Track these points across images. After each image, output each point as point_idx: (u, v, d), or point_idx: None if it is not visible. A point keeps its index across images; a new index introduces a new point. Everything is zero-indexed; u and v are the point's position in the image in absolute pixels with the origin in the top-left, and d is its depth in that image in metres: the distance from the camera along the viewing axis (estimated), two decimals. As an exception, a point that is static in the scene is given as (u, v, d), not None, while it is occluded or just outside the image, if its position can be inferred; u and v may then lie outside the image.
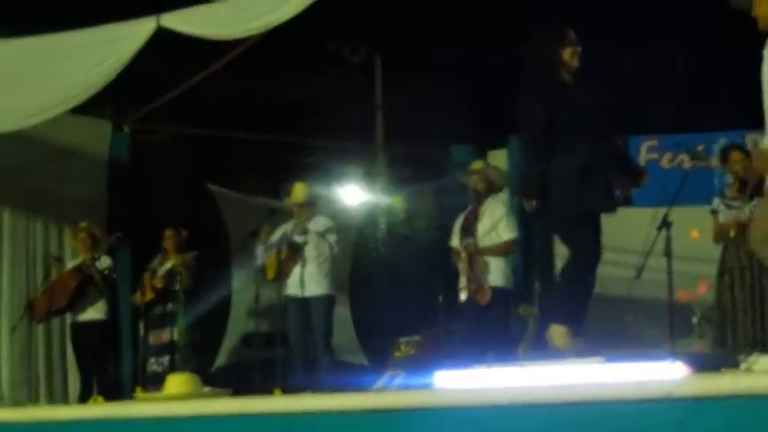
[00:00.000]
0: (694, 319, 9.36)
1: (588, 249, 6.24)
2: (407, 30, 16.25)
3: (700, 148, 9.09)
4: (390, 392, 4.79)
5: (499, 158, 11.16)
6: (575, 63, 6.37)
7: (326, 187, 11.68)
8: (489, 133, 12.26)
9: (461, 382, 4.74)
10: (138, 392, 8.55)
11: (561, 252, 7.22)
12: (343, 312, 10.32)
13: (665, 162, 10.90)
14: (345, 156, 15.45)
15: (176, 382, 5.60)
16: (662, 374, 4.04)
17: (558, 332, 6.09)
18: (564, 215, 6.25)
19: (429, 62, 16.20)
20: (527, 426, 4.00)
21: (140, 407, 5.50)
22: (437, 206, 14.76)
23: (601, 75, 6.61)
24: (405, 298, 13.10)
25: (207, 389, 5.72)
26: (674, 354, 4.29)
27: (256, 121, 13.84)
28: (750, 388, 3.56)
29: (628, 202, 6.87)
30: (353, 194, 13.86)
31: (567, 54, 6.35)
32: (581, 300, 6.27)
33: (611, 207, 6.38)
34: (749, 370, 3.94)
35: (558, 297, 6.41)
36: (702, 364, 4.01)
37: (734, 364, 4.05)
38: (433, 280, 10.37)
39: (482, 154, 11.34)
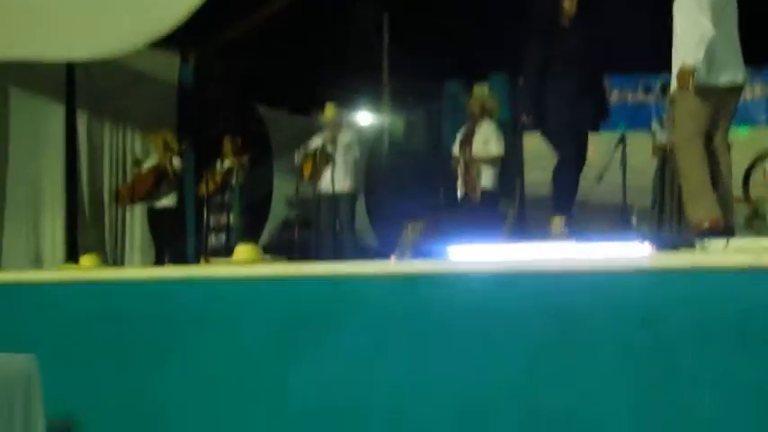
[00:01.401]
0: (633, 219, 9.32)
1: (572, 154, 6.24)
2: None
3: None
4: (413, 261, 4.75)
5: (483, 90, 11.04)
6: (573, 10, 6.33)
7: (347, 112, 11.55)
8: (475, 70, 12.13)
9: (468, 254, 4.69)
10: (203, 262, 8.52)
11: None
12: (358, 206, 10.26)
13: (613, 97, 10.83)
14: (359, 89, 15.35)
15: (243, 250, 5.54)
16: (631, 251, 3.99)
17: (556, 221, 6.11)
18: (556, 128, 6.24)
19: (425, 18, 16.07)
20: (524, 289, 3.98)
21: (216, 269, 5.45)
22: (429, 126, 14.76)
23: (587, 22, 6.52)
24: (405, 195, 13.10)
25: (267, 256, 5.67)
26: (641, 235, 4.22)
27: (292, 59, 13.73)
28: (705, 262, 3.53)
29: (595, 128, 6.90)
30: (366, 117, 13.81)
31: (567, 3, 6.30)
32: (569, 193, 6.28)
33: (594, 126, 6.40)
34: (704, 249, 3.89)
35: (553, 193, 6.41)
36: (664, 244, 3.95)
37: (690, 245, 4.00)
38: (433, 181, 10.36)
39: (469, 87, 11.27)
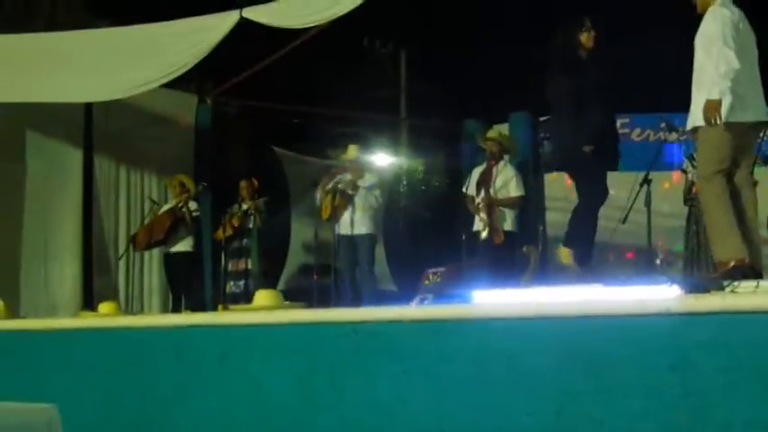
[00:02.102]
0: (658, 261, 9.32)
1: (592, 193, 6.30)
2: (428, 28, 16.28)
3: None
4: (436, 306, 4.78)
5: (502, 131, 11.11)
6: (590, 44, 6.40)
7: (366, 153, 11.61)
8: (494, 110, 12.19)
9: (494, 299, 4.71)
10: (221, 309, 8.58)
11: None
12: (377, 250, 10.27)
13: (635, 136, 10.88)
14: (377, 127, 15.48)
15: (263, 297, 5.59)
16: (659, 294, 4.00)
17: (563, 252, 6.15)
18: (581, 165, 6.31)
19: (444, 54, 16.23)
20: (550, 334, 3.99)
21: (237, 315, 5.51)
22: (448, 168, 14.83)
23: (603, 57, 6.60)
24: (424, 238, 13.16)
25: (287, 302, 5.72)
26: (669, 277, 4.23)
27: (308, 98, 13.89)
28: (736, 305, 3.54)
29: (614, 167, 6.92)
30: (383, 158, 13.86)
31: (584, 37, 6.38)
32: (585, 233, 6.32)
33: (613, 164, 6.44)
34: (734, 291, 3.91)
35: (568, 229, 6.47)
36: (693, 287, 3.96)
37: (720, 288, 4.01)
38: (452, 224, 10.38)
39: (489, 126, 11.31)
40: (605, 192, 6.53)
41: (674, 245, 9.17)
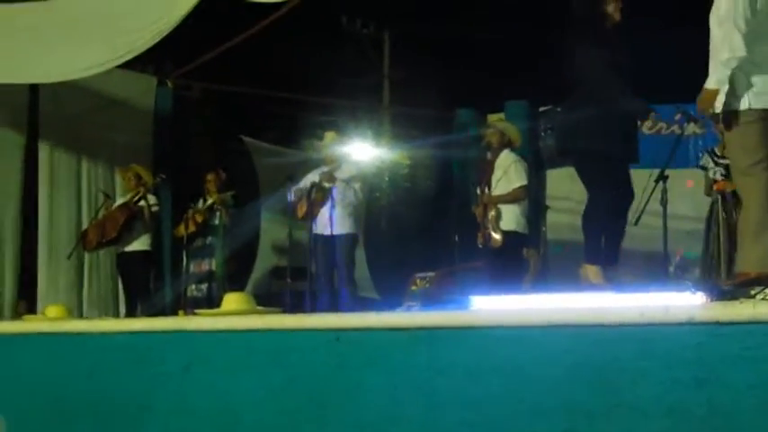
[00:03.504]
0: (671, 268, 9.35)
1: (607, 191, 6.18)
2: (414, 7, 16.27)
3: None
4: (429, 313, 4.75)
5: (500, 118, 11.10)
6: (617, 17, 6.33)
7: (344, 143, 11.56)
8: (487, 99, 12.20)
9: (495, 305, 4.69)
10: (181, 315, 8.54)
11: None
12: (358, 252, 10.24)
13: (645, 128, 10.87)
14: (357, 116, 15.47)
15: (233, 300, 5.54)
16: (680, 302, 3.99)
17: (590, 271, 6.03)
18: (587, 156, 6.23)
19: (432, 36, 16.23)
20: (559, 344, 3.97)
21: (202, 320, 5.46)
22: (436, 162, 14.80)
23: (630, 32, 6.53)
24: (409, 240, 13.15)
25: (260, 307, 5.68)
26: (694, 284, 4.22)
27: (279, 83, 13.86)
28: (766, 315, 3.53)
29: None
30: (363, 150, 13.79)
31: (610, 7, 6.32)
32: (613, 241, 6.22)
33: (633, 156, 6.35)
34: (766, 299, 3.90)
35: (585, 238, 6.30)
36: (720, 294, 3.96)
37: (748, 296, 4.00)
38: (441, 224, 10.37)
39: (483, 116, 11.31)
40: (630, 187, 6.40)
41: (689, 251, 9.20)
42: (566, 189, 10.24)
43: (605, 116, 6.08)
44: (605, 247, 6.17)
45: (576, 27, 6.39)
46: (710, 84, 4.94)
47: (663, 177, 6.77)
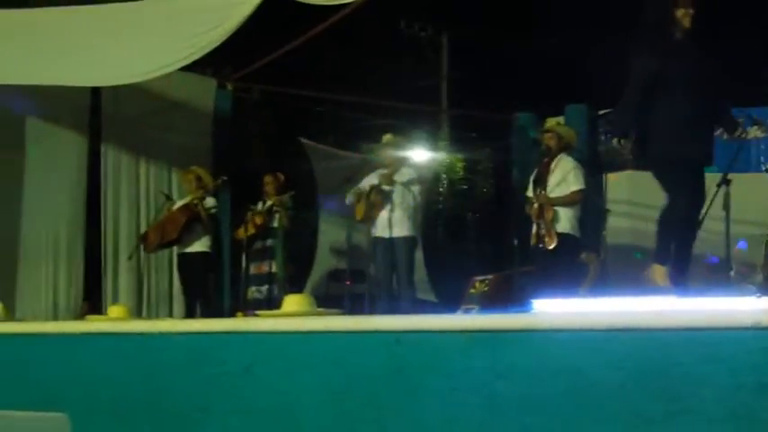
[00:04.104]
0: (732, 273, 9.23)
1: (685, 196, 6.15)
2: (472, 10, 16.23)
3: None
4: (490, 315, 4.73)
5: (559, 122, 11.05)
6: (686, 23, 6.28)
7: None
8: (547, 102, 12.14)
9: (556, 308, 4.67)
10: (240, 317, 8.58)
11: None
12: (416, 255, 10.24)
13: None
14: (414, 119, 15.46)
15: (293, 302, 5.56)
16: (746, 306, 3.94)
17: (657, 272, 6.01)
18: (666, 161, 6.20)
19: (491, 39, 16.18)
20: (621, 348, 3.93)
21: (263, 321, 5.50)
22: (495, 165, 14.78)
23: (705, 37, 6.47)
24: (467, 244, 13.15)
25: (320, 309, 5.70)
26: (759, 289, 4.18)
27: (339, 86, 13.90)
28: (835, 320, 3.48)
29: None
30: (421, 153, 13.78)
31: (680, 13, 6.27)
32: (682, 245, 6.19)
33: (708, 160, 6.32)
34: (834, 304, 3.85)
35: (658, 239, 6.30)
36: (786, 300, 3.91)
37: (816, 302, 3.95)
38: (499, 227, 10.34)
39: (542, 120, 11.25)
40: (703, 194, 6.38)
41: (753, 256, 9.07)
42: (626, 193, 10.17)
43: (684, 120, 6.07)
44: (677, 252, 6.15)
45: (646, 32, 6.37)
46: None
47: (725, 181, 6.69)
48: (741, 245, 9.00)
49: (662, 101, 6.20)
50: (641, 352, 3.87)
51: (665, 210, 6.25)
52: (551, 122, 9.19)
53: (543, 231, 8.32)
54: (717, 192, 6.77)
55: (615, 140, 6.35)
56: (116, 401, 5.35)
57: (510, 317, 4.47)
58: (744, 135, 7.60)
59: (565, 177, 8.53)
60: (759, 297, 3.95)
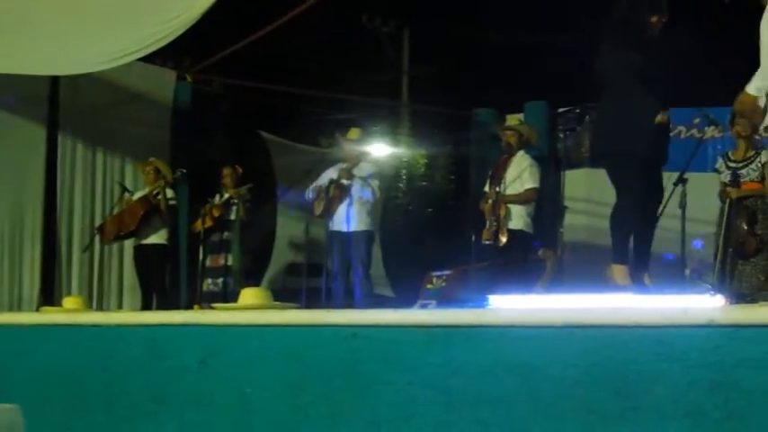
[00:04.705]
0: (687, 271, 9.30)
1: (632, 194, 6.18)
2: (434, 5, 16.23)
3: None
4: (448, 312, 4.75)
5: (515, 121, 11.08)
6: (656, 30, 6.34)
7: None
8: (507, 98, 12.17)
9: (512, 304, 4.69)
10: (196, 309, 8.54)
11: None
12: (373, 250, 10.24)
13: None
14: (375, 114, 15.43)
15: (250, 295, 5.54)
16: (699, 304, 3.98)
17: (616, 271, 6.03)
18: (614, 158, 6.23)
19: (452, 35, 16.19)
20: (576, 345, 3.95)
21: (219, 314, 5.47)
22: (455, 160, 14.79)
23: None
24: (426, 239, 13.14)
25: (277, 302, 5.67)
26: (713, 287, 4.21)
27: (299, 79, 13.85)
28: (787, 318, 3.51)
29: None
30: (381, 148, 13.76)
31: (654, 19, 6.32)
32: (642, 243, 6.22)
33: (659, 158, 6.36)
34: (787, 303, 3.89)
35: (612, 238, 6.31)
36: (740, 298, 3.95)
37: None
38: (458, 223, 10.35)
39: (502, 116, 11.28)
40: (659, 192, 6.41)
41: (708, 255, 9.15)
42: (583, 190, 10.22)
43: (636, 118, 6.10)
44: (636, 249, 6.18)
45: (614, 31, 6.39)
46: (750, 89, 4.88)
47: (682, 181, 6.75)
48: (696, 244, 9.08)
49: (614, 97, 6.25)
50: (596, 349, 3.89)
51: (614, 208, 6.29)
52: (512, 120, 9.20)
53: (496, 228, 8.35)
54: (673, 190, 6.82)
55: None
56: (70, 393, 5.32)
57: (466, 313, 4.48)
58: (701, 135, 7.68)
59: (520, 175, 8.56)
60: (713, 295, 3.97)
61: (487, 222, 8.51)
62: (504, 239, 8.33)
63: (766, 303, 3.89)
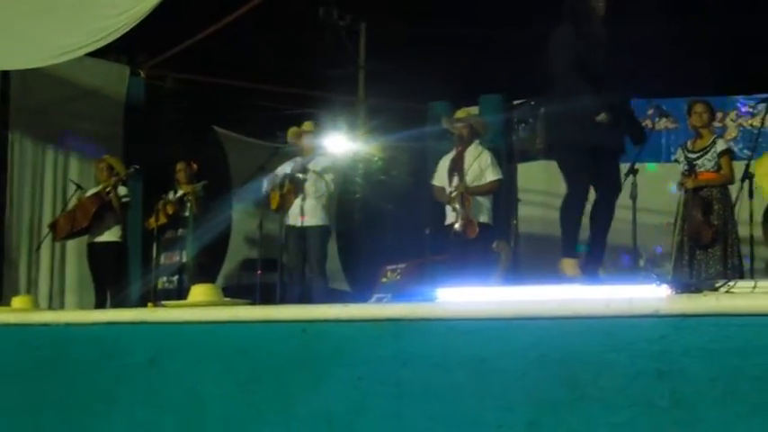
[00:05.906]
0: (641, 262, 9.37)
1: (580, 184, 6.21)
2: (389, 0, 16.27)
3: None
4: (396, 305, 4.76)
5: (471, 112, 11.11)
6: (601, 11, 6.35)
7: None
8: (462, 92, 12.22)
9: (462, 297, 4.70)
10: (151, 307, 8.51)
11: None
12: (329, 245, 10.24)
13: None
14: (331, 108, 15.44)
15: (200, 291, 5.51)
16: (646, 294, 4.01)
17: (566, 264, 6.06)
18: (562, 149, 6.25)
19: (408, 29, 16.22)
20: (524, 337, 3.97)
21: (169, 311, 5.44)
22: (411, 154, 14.80)
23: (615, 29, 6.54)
24: (382, 233, 13.16)
25: (227, 299, 5.66)
26: (657, 277, 4.24)
27: (254, 74, 13.83)
28: (732, 306, 3.54)
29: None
30: (337, 142, 13.73)
31: (600, 3, 6.34)
32: (597, 233, 6.25)
33: (615, 148, 6.39)
34: (729, 292, 3.92)
35: (561, 231, 6.34)
36: (684, 287, 3.97)
37: (712, 289, 4.02)
38: (413, 217, 10.36)
39: (456, 109, 11.31)
40: (615, 184, 6.44)
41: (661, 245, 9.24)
42: (537, 182, 10.28)
43: (581, 110, 6.12)
44: (590, 240, 6.23)
45: (563, 21, 6.42)
46: None
47: (633, 171, 6.80)
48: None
49: (561, 89, 6.27)
50: (544, 340, 3.91)
51: (565, 200, 6.33)
52: (461, 113, 9.27)
53: (465, 221, 8.42)
54: (624, 181, 6.87)
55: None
56: (19, 393, 5.27)
57: (415, 306, 4.48)
58: (652, 126, 7.72)
59: (481, 167, 8.64)
60: (659, 285, 4.00)
61: (454, 214, 8.59)
62: (474, 233, 8.45)
63: (710, 293, 3.92)
